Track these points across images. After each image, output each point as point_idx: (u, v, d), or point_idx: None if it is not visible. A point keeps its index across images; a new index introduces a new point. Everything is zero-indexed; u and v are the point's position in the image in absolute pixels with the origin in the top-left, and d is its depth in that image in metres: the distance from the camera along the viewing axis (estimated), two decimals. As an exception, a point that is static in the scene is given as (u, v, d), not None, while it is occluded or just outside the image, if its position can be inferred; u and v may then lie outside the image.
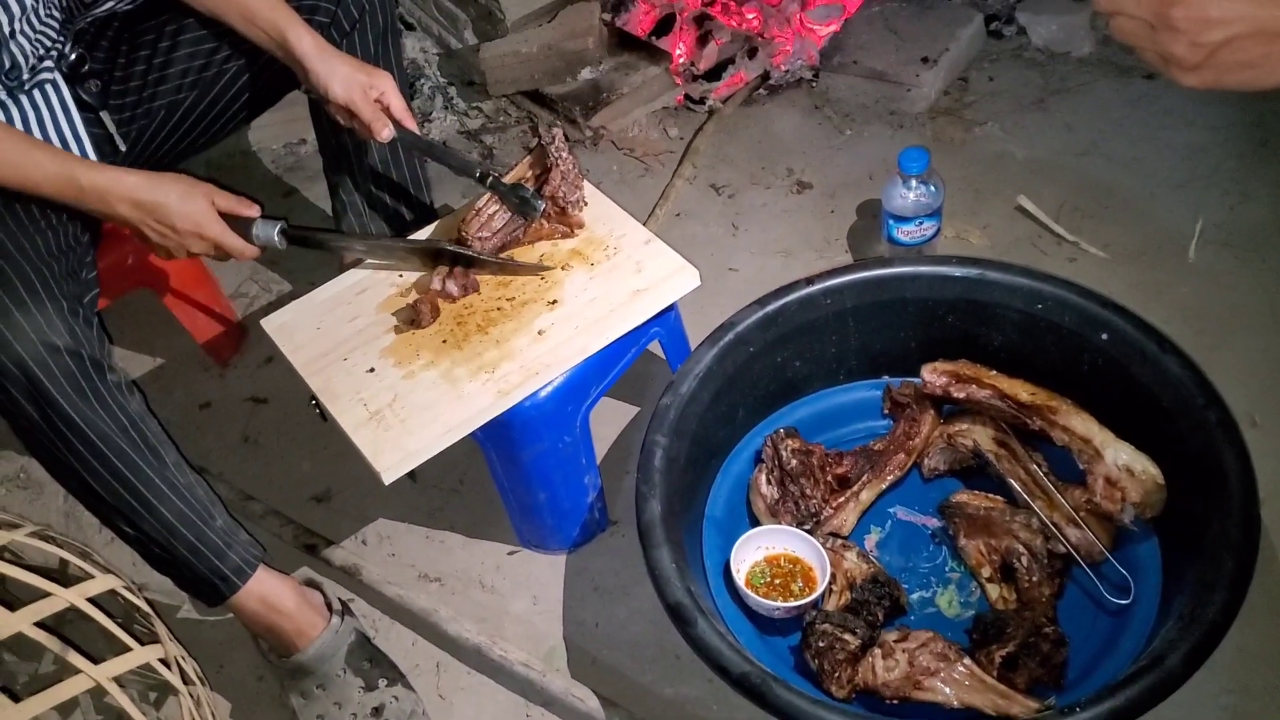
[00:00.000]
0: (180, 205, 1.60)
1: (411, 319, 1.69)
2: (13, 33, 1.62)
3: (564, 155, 1.77)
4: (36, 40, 1.69)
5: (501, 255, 1.77)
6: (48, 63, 1.72)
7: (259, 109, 1.97)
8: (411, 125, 1.79)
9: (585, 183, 1.88)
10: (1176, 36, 0.87)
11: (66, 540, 1.48)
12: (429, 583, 1.87)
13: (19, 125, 1.68)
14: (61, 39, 1.75)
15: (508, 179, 1.79)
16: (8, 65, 1.64)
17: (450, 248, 1.74)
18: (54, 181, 1.57)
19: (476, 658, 1.74)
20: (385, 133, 1.75)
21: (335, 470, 2.04)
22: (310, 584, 1.77)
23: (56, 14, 1.74)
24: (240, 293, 2.38)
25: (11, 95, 1.67)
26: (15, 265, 1.52)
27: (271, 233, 1.66)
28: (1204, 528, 1.50)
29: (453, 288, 1.73)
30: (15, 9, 1.60)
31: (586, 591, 1.81)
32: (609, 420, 2.01)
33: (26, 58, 1.67)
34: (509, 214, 1.76)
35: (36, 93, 1.71)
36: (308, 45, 1.71)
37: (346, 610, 1.73)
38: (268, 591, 1.65)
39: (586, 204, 1.80)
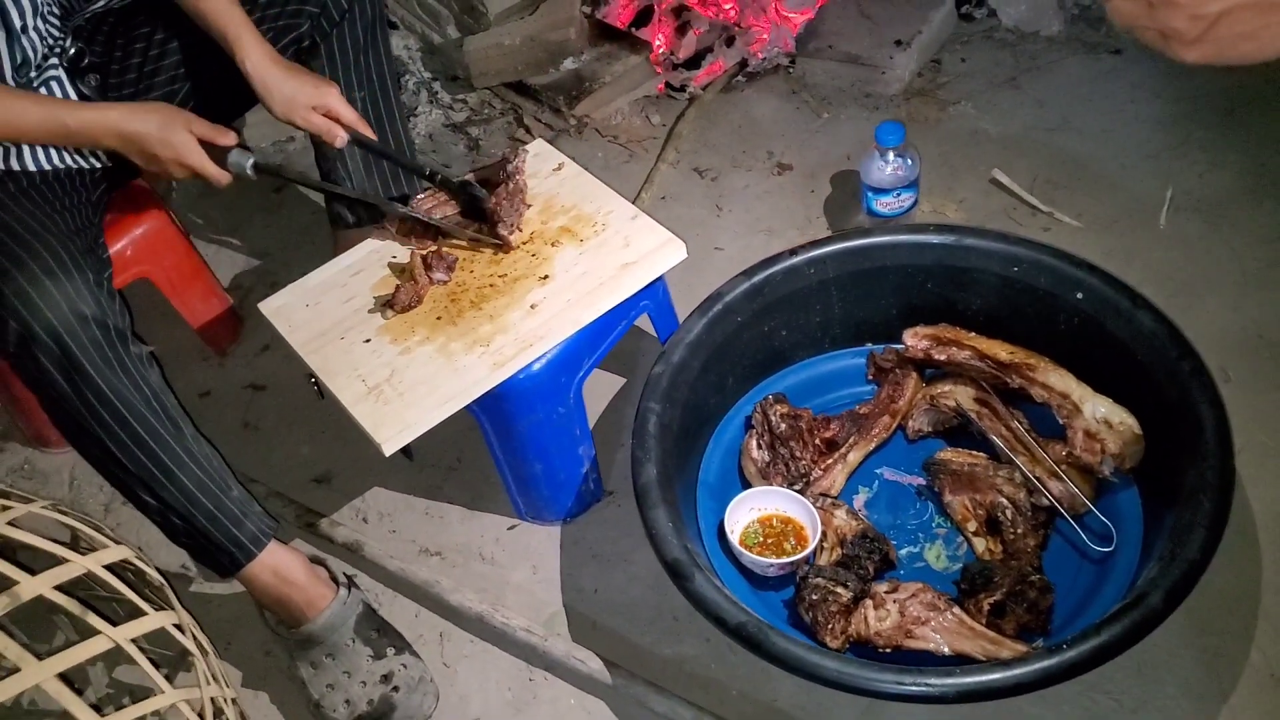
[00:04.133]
0: (160, 133, 1.66)
1: (387, 302, 1.74)
2: (24, 28, 1.67)
3: (518, 178, 1.84)
4: (45, 36, 1.74)
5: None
6: (53, 60, 1.77)
7: (251, 101, 2.00)
8: (365, 131, 1.86)
9: (570, 161, 1.93)
10: (1176, 11, 0.88)
11: (79, 515, 1.51)
12: (429, 557, 1.91)
13: None
14: (62, 35, 1.80)
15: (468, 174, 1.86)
16: (19, 60, 1.69)
17: (401, 210, 1.82)
18: (43, 125, 1.64)
19: (479, 626, 1.78)
20: (338, 141, 1.83)
21: (335, 453, 2.08)
22: (314, 561, 1.81)
23: (56, 10, 1.79)
24: (236, 284, 2.42)
25: (23, 90, 1.72)
26: (43, 240, 1.59)
27: (245, 162, 1.73)
28: (1181, 474, 1.55)
29: (441, 276, 1.77)
30: (26, 5, 1.66)
31: (585, 559, 1.86)
32: (599, 393, 2.05)
33: (36, 53, 1.72)
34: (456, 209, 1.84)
35: (43, 89, 1.77)
36: (252, 63, 1.77)
37: (352, 584, 1.77)
38: (280, 563, 1.69)
39: (520, 230, 1.85)
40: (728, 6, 2.77)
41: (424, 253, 1.78)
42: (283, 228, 2.52)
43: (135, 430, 1.55)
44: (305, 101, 1.79)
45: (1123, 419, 1.63)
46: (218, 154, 1.71)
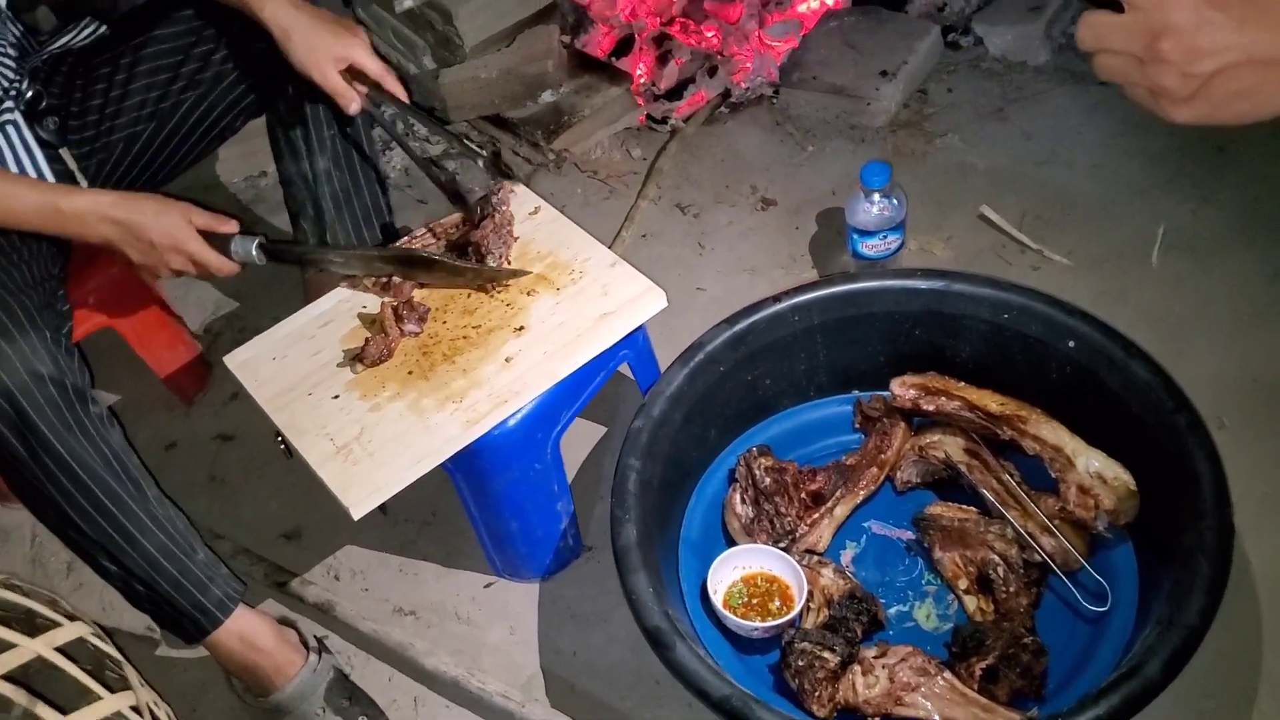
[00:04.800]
0: (157, 221, 1.60)
1: (357, 356, 1.68)
2: None
3: (504, 209, 1.78)
4: (6, 89, 1.67)
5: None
6: (8, 103, 1.71)
7: (219, 140, 1.96)
8: (393, 86, 1.75)
9: (547, 205, 1.88)
10: (1166, 69, 0.83)
11: (33, 588, 1.45)
12: (404, 616, 1.85)
13: None
14: (18, 78, 1.73)
15: (444, 223, 1.80)
16: None
17: (423, 253, 1.74)
18: (37, 211, 1.58)
19: (454, 690, 1.72)
20: (353, 107, 1.74)
21: (305, 507, 2.01)
22: (284, 622, 1.75)
23: (11, 51, 1.73)
24: (205, 328, 2.36)
25: (16, 175, 1.66)
26: None
27: (250, 248, 1.66)
28: (1178, 532, 1.50)
29: (412, 328, 1.71)
30: None
31: (563, 619, 1.80)
32: (578, 443, 1.99)
33: None
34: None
35: (0, 136, 1.70)
36: (270, 12, 1.67)
37: (323, 648, 1.71)
38: (247, 629, 1.63)
39: (510, 263, 1.79)
40: (710, 34, 2.72)
41: (394, 304, 1.72)
42: (254, 268, 2.44)
43: (95, 495, 1.49)
44: (326, 53, 1.69)
45: (1117, 474, 1.58)
46: (218, 243, 1.64)
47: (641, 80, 2.66)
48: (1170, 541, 1.52)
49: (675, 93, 2.63)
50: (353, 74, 1.73)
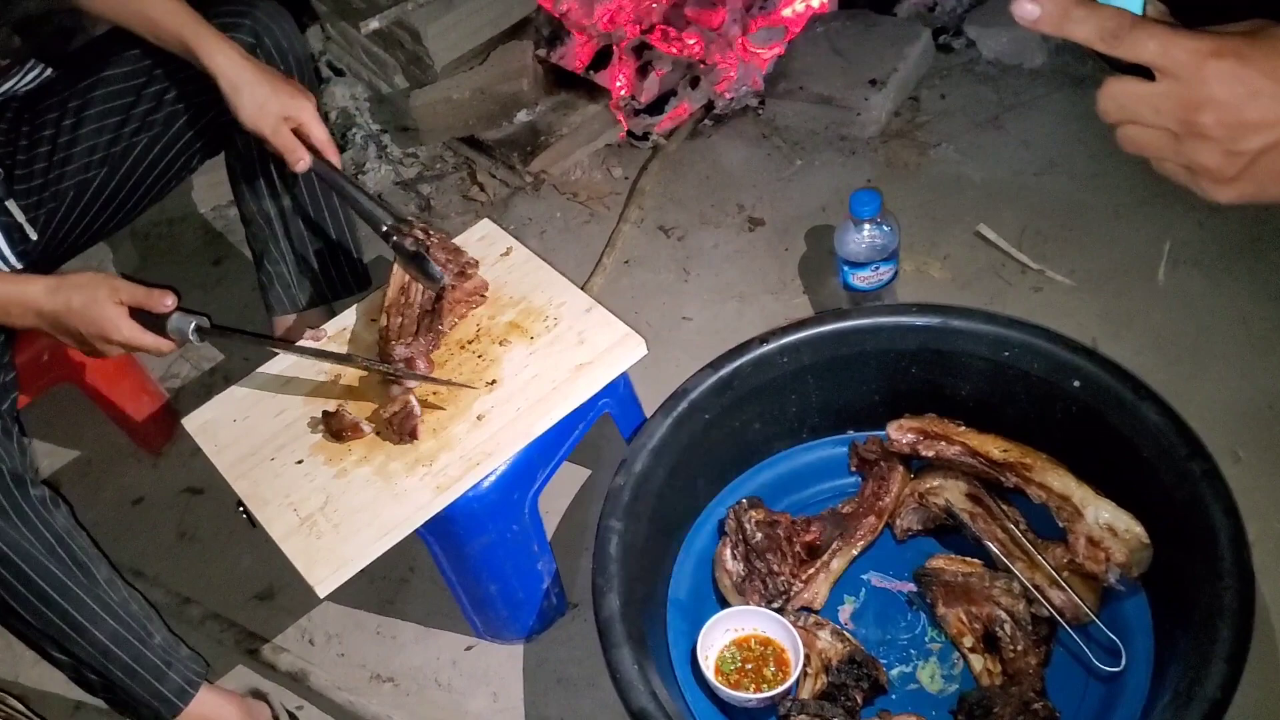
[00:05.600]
0: (83, 310, 1.47)
1: (336, 430, 1.57)
2: None
3: (430, 235, 1.67)
4: None
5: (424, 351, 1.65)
6: None
7: (175, 181, 1.86)
8: (333, 157, 1.68)
9: (519, 245, 1.79)
10: (1207, 145, 0.73)
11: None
12: (382, 683, 1.76)
13: None
14: None
15: (391, 291, 1.68)
16: None
17: (373, 366, 1.61)
18: None
19: (435, 766, 1.63)
20: (300, 165, 1.64)
21: (278, 564, 1.86)
22: (256, 694, 1.67)
23: None
24: (171, 373, 2.26)
25: None
26: None
27: (187, 329, 1.52)
28: (1195, 590, 1.40)
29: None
30: None
31: (549, 685, 1.71)
32: (561, 490, 1.90)
33: None
34: (421, 303, 1.66)
35: None
36: (222, 60, 1.60)
37: (294, 724, 1.63)
38: (211, 712, 1.55)
39: (478, 261, 1.70)
40: (692, 42, 2.61)
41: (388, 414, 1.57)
42: (222, 305, 2.35)
43: (38, 586, 1.40)
44: (277, 110, 1.61)
45: (1129, 526, 1.48)
46: (154, 320, 1.51)
47: (621, 94, 2.55)
48: (1187, 599, 1.42)
49: (657, 106, 2.53)
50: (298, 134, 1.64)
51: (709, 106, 2.55)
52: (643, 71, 2.57)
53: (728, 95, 2.56)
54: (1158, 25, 0.74)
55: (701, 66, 2.58)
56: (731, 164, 2.43)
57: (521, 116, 2.48)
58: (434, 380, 1.59)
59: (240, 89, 1.59)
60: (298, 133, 1.63)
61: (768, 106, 2.50)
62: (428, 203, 2.49)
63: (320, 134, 1.64)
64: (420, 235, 1.64)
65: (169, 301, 1.50)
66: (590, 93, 2.49)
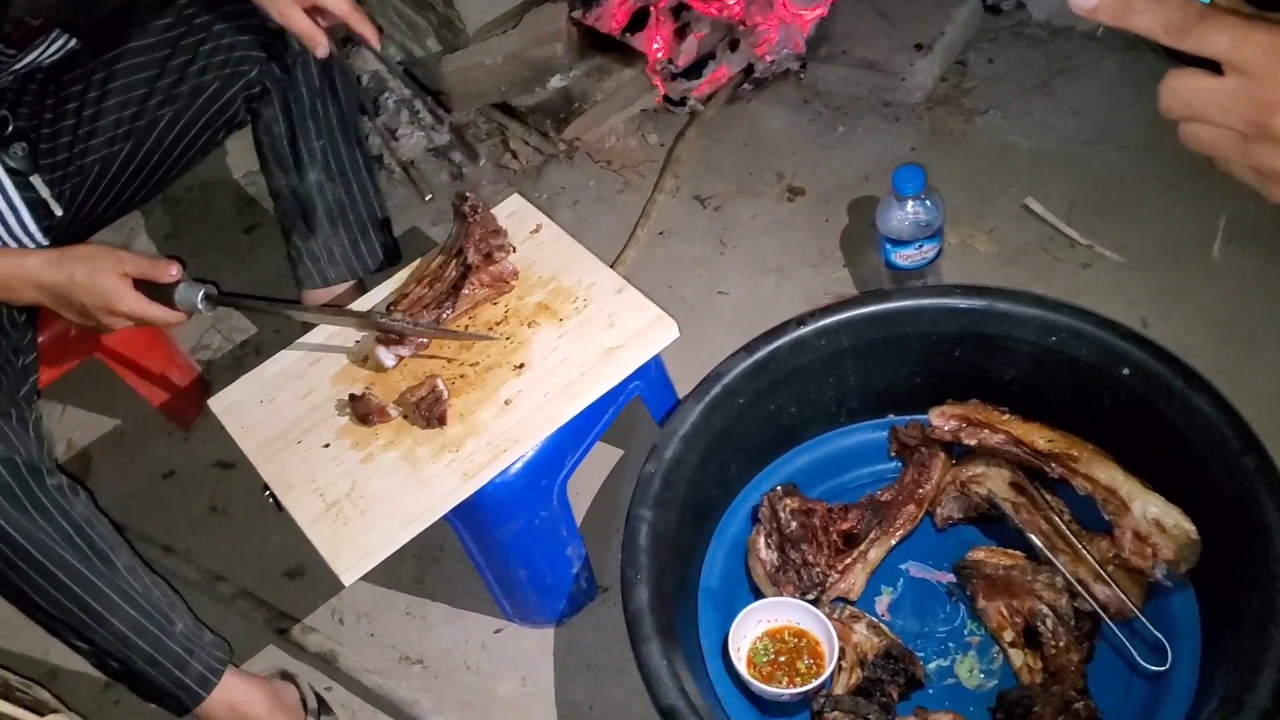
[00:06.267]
0: (87, 282, 1.44)
1: (363, 414, 1.54)
2: None
3: (480, 212, 1.63)
4: None
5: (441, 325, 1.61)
6: None
7: (201, 155, 1.83)
8: (361, 27, 1.54)
9: (550, 221, 1.74)
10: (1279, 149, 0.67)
11: (22, 684, 1.36)
12: (411, 665, 1.74)
13: None
14: None
15: (435, 258, 1.65)
16: None
17: (382, 319, 1.59)
18: None
19: (463, 752, 1.62)
20: (319, 50, 1.54)
21: (308, 542, 1.89)
22: (284, 676, 1.66)
23: None
24: (202, 344, 2.24)
25: None
26: None
27: (195, 298, 1.49)
28: (1246, 591, 1.35)
29: (400, 352, 1.58)
30: None
31: (579, 670, 1.68)
32: (591, 471, 1.87)
33: None
34: (451, 280, 1.62)
35: None
36: None
37: (323, 708, 1.62)
38: (236, 698, 1.54)
39: (514, 250, 1.65)
40: (731, 2, 2.54)
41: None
42: (254, 275, 2.32)
43: (56, 576, 1.39)
44: None
45: (1177, 521, 1.43)
46: (161, 291, 1.48)
47: (658, 57, 2.48)
48: (1237, 599, 1.38)
49: (694, 70, 2.46)
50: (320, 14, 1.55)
51: (748, 70, 2.48)
52: (681, 34, 2.50)
53: (768, 59, 2.48)
54: (1230, 16, 0.67)
55: (741, 28, 2.50)
56: (771, 130, 2.36)
57: (555, 82, 2.42)
58: (445, 334, 1.57)
59: None
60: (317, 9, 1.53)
61: (809, 70, 2.43)
62: (460, 170, 2.44)
63: (341, 5, 1.52)
64: (468, 210, 1.60)
65: (174, 271, 1.47)
66: (626, 56, 2.43)
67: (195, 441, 2.10)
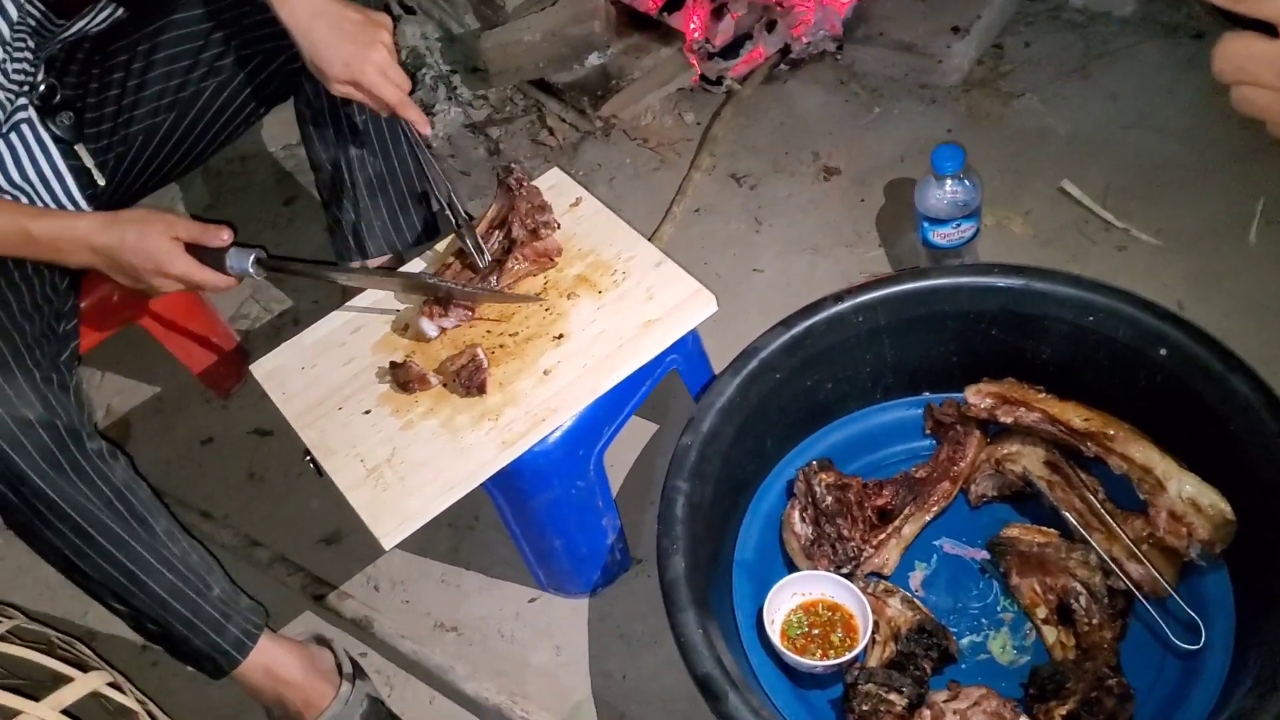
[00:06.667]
0: (138, 244, 1.46)
1: (404, 382, 1.56)
2: None
3: (526, 186, 1.64)
4: (14, 81, 1.56)
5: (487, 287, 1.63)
6: (22, 100, 1.60)
7: (244, 127, 1.84)
8: (410, 115, 1.55)
9: (589, 195, 1.75)
10: None
11: (42, 633, 1.38)
12: (445, 632, 1.76)
13: None
14: (33, 69, 1.62)
15: (480, 227, 1.65)
16: None
17: (431, 279, 1.61)
18: (4, 235, 1.45)
19: (498, 718, 1.63)
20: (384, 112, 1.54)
21: (345, 508, 1.88)
22: (320, 640, 1.67)
23: (30, 42, 1.62)
24: (241, 314, 2.26)
25: None
26: None
27: (245, 263, 1.52)
28: (1281, 573, 1.36)
29: (443, 324, 1.60)
30: None
31: (612, 639, 1.70)
32: (628, 443, 1.88)
33: (9, 102, 1.54)
34: (494, 254, 1.64)
35: (14, 135, 1.59)
36: (288, 11, 1.50)
37: (358, 672, 1.63)
38: (272, 661, 1.55)
39: (558, 226, 1.66)
40: (768, -16, 2.54)
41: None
42: (293, 246, 2.34)
43: (94, 538, 1.41)
44: (333, 75, 1.50)
45: (1213, 501, 1.43)
46: (212, 256, 1.50)
47: (695, 36, 2.49)
48: (1272, 580, 1.39)
49: (731, 50, 2.46)
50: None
51: (785, 51, 2.48)
52: (717, 14, 2.50)
53: (804, 40, 2.49)
54: None
55: (778, 9, 2.50)
56: (807, 111, 2.37)
57: (592, 59, 2.43)
58: (493, 295, 1.60)
59: (303, 48, 1.51)
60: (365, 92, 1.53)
61: (846, 52, 2.43)
62: (496, 146, 2.46)
63: (390, 94, 1.52)
64: (513, 183, 1.61)
65: (225, 236, 1.50)
66: (663, 35, 2.43)
67: (234, 409, 2.13)
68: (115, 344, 2.01)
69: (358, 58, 1.49)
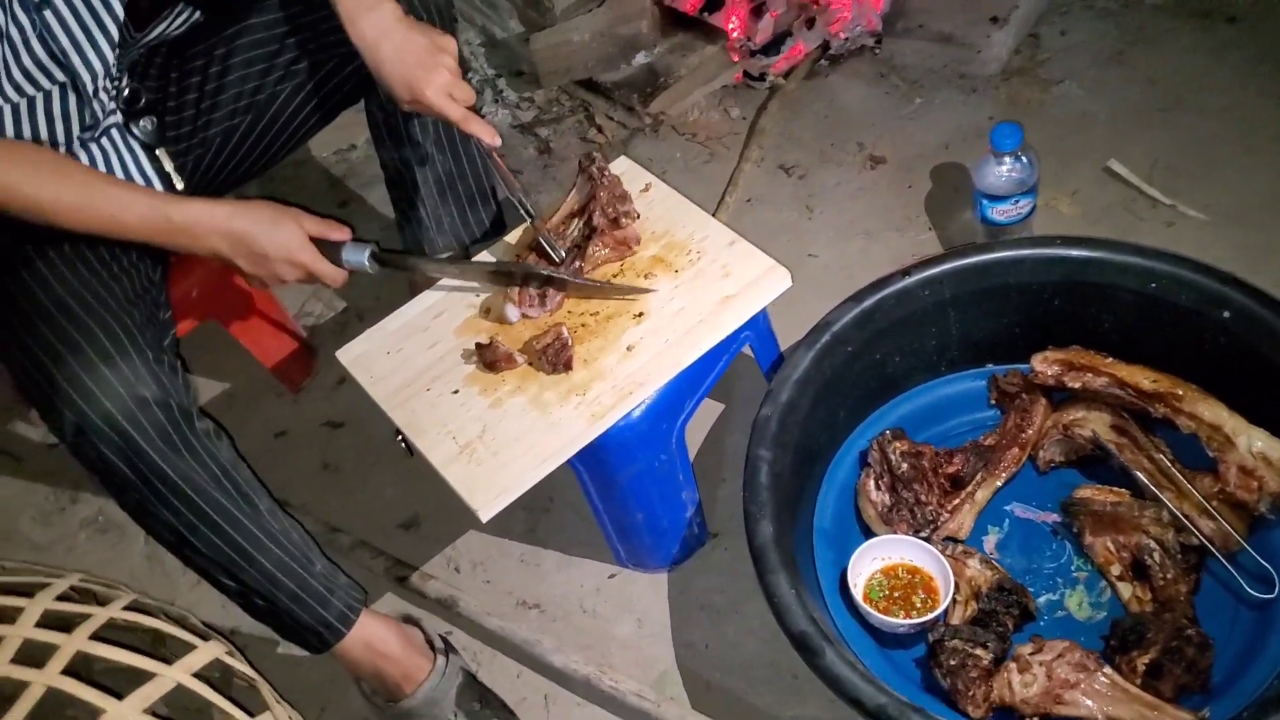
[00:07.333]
0: (272, 233, 1.52)
1: (490, 361, 1.61)
2: (95, 90, 1.55)
3: (607, 175, 1.70)
4: (112, 89, 1.62)
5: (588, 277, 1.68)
6: (110, 104, 1.65)
7: (316, 129, 1.89)
8: (475, 129, 1.60)
9: (659, 181, 1.81)
10: None
11: (162, 605, 1.42)
12: (528, 610, 1.81)
13: None
14: (118, 75, 1.68)
15: (559, 214, 1.72)
16: (88, 122, 1.57)
17: (538, 270, 1.66)
18: (147, 221, 1.49)
19: (586, 689, 1.67)
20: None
21: (420, 495, 1.97)
22: (408, 620, 1.72)
23: (113, 49, 1.66)
24: (305, 312, 2.32)
25: (84, 146, 1.61)
26: (97, 317, 1.46)
27: (362, 257, 1.58)
28: (1354, 517, 1.41)
29: (530, 312, 1.65)
30: (98, 66, 1.53)
31: (693, 611, 1.75)
32: (697, 424, 1.93)
33: (104, 110, 1.60)
34: (574, 239, 1.70)
35: (105, 139, 1.64)
36: (356, 33, 1.56)
37: (449, 648, 1.67)
38: (371, 636, 1.59)
39: (638, 216, 1.71)
40: (804, -18, 2.60)
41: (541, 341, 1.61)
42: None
43: (207, 514, 1.45)
44: (397, 96, 1.57)
45: (1284, 454, 1.49)
46: (329, 250, 1.57)
47: (736, 36, 2.55)
48: (1345, 527, 1.43)
49: (772, 47, 2.52)
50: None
51: (825, 47, 2.54)
52: (756, 13, 2.56)
53: (842, 36, 2.55)
54: None
55: (815, 7, 2.57)
56: (850, 103, 2.43)
57: (640, 58, 2.49)
58: (607, 287, 1.65)
59: (373, 69, 1.57)
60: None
61: (885, 45, 2.49)
62: (546, 145, 2.51)
63: (454, 112, 1.57)
64: (595, 171, 1.67)
65: (345, 232, 1.56)
66: (707, 34, 2.50)
67: (304, 403, 2.18)
68: (188, 342, 2.06)
69: (421, 80, 1.55)
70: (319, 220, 1.55)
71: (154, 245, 1.54)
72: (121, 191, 1.51)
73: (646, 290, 1.65)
